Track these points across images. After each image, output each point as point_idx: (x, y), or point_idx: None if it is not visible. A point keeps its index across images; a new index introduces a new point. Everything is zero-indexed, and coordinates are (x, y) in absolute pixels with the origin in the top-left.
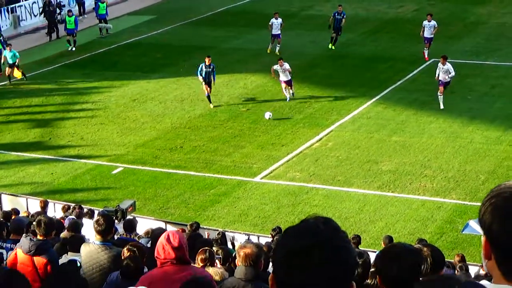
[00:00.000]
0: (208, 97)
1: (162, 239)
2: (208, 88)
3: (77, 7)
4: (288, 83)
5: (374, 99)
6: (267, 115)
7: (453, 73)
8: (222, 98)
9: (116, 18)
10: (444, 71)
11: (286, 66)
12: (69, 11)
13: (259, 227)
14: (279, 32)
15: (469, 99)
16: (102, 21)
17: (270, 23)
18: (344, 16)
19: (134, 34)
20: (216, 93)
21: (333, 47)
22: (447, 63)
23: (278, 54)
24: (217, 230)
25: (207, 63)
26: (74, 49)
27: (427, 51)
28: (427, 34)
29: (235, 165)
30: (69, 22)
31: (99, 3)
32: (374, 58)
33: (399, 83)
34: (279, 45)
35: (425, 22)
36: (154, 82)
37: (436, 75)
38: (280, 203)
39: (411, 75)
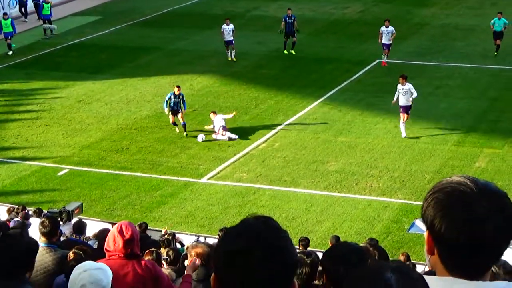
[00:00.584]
0: (184, 125)
1: (114, 230)
2: (175, 117)
3: (17, 8)
4: (224, 129)
5: (320, 100)
6: (200, 138)
7: (415, 94)
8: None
9: (60, 19)
10: (405, 93)
11: (219, 116)
12: (5, 14)
13: (206, 228)
14: (231, 38)
15: (413, 99)
16: (47, 22)
17: (221, 30)
18: (295, 19)
19: (79, 35)
20: (162, 93)
21: (292, 52)
22: (407, 83)
23: (235, 60)
24: (161, 231)
25: (176, 93)
26: (11, 52)
27: (385, 57)
28: (385, 40)
29: (181, 166)
30: (5, 25)
31: (44, 4)
32: (320, 59)
33: (344, 84)
34: (234, 51)
35: (383, 28)
36: (99, 83)
37: (395, 99)
38: (227, 204)
39: (356, 76)
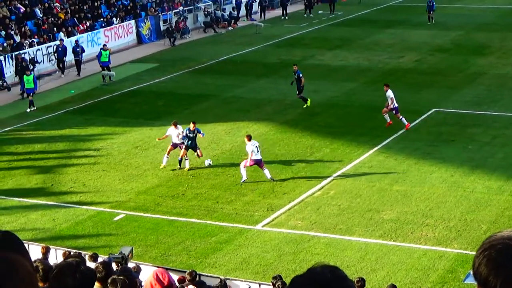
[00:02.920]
0: (180, 161)
1: (150, 278)
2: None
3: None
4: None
5: (375, 148)
6: (207, 162)
7: None
8: (224, 146)
9: (119, 66)
10: None
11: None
12: (27, 69)
13: (261, 275)
14: (180, 142)
15: (469, 149)
16: (105, 68)
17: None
18: (299, 75)
19: (137, 81)
20: (218, 140)
21: (307, 104)
22: None
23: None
24: (219, 278)
25: (191, 129)
26: (29, 110)
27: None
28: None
29: (236, 213)
30: (27, 81)
31: (102, 51)
32: (375, 107)
33: (400, 133)
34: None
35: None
36: (156, 129)
37: None
38: (281, 251)
39: (412, 124)
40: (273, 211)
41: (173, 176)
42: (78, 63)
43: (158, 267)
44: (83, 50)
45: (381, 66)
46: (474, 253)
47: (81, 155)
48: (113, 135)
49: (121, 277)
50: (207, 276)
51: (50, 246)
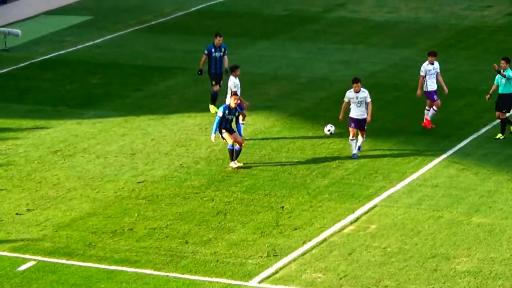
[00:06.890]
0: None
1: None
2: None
3: None
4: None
5: (443, 156)
6: (327, 129)
7: None
8: (198, 149)
9: (28, 19)
10: None
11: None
12: None
13: None
14: None
15: None
16: None
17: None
18: (225, 51)
19: (56, 45)
20: (187, 141)
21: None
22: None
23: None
24: None
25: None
26: None
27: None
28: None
29: (217, 260)
30: None
31: None
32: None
33: (484, 131)
34: None
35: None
36: (87, 123)
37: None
38: None
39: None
40: (277, 258)
41: (115, 199)
42: None
43: None
44: None
45: (454, 23)
46: None
47: None
48: (18, 132)
49: None
50: None
51: None
